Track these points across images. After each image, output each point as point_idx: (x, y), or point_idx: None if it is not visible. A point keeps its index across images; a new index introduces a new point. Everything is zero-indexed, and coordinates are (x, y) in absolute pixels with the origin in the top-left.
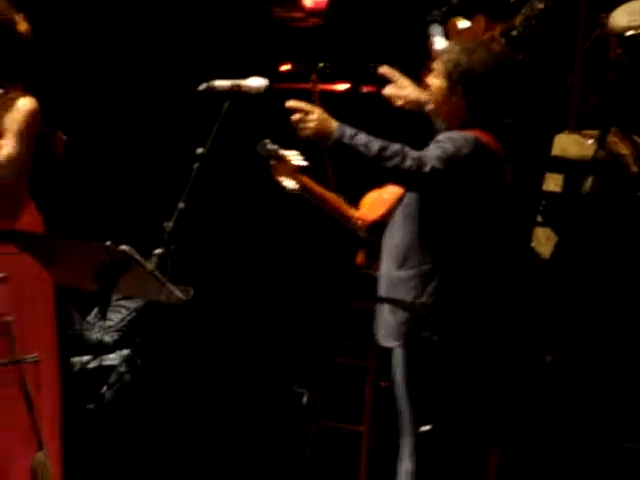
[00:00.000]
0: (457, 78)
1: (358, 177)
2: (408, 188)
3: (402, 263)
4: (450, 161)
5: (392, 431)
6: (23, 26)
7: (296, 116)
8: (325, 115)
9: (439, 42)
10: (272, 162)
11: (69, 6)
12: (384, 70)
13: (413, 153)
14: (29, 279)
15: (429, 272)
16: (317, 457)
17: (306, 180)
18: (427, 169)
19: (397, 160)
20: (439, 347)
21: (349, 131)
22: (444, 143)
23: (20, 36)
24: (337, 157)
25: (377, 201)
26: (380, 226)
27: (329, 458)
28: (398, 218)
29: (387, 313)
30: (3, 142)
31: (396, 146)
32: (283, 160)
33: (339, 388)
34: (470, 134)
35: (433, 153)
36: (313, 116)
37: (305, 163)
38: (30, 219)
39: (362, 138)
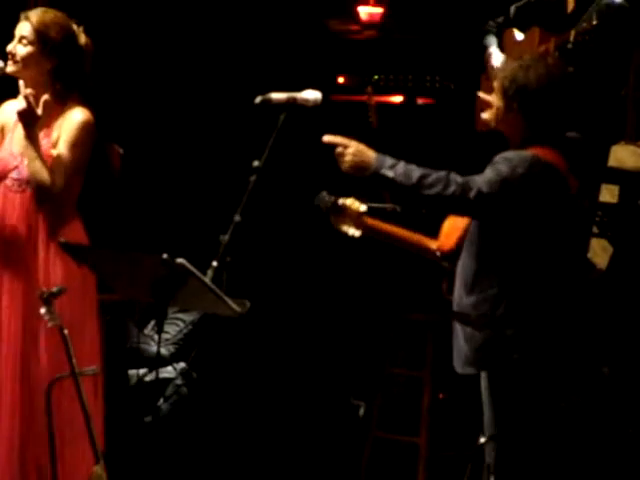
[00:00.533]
0: (512, 94)
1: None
2: (457, 214)
3: (470, 289)
4: (504, 183)
5: (449, 442)
6: (83, 38)
7: (337, 150)
8: (362, 147)
9: (495, 55)
10: (333, 215)
11: (129, 19)
12: (327, 139)
13: (458, 179)
14: (76, 291)
15: (496, 297)
16: (374, 469)
17: (372, 222)
18: (472, 194)
19: (439, 187)
20: (520, 365)
21: (388, 161)
22: (499, 164)
23: (80, 48)
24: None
25: (453, 227)
26: (457, 253)
27: (386, 470)
28: (465, 244)
29: (462, 341)
30: (55, 152)
31: (440, 173)
32: (344, 210)
33: (396, 399)
34: (527, 152)
35: (483, 177)
36: (350, 150)
37: (364, 208)
38: (75, 234)
39: (401, 167)
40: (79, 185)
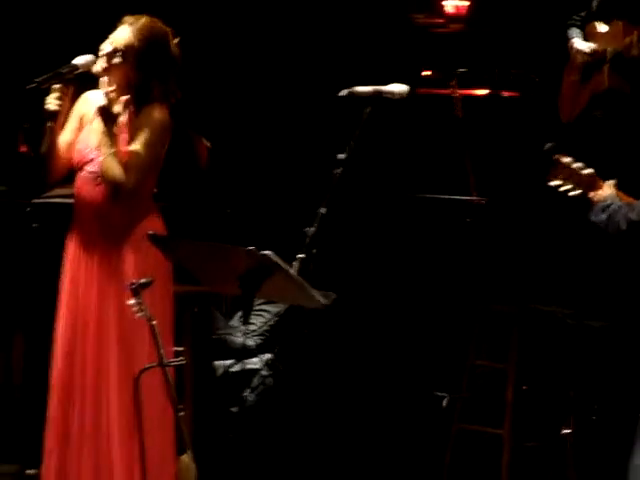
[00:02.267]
0: None
1: None
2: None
3: None
4: None
5: (532, 434)
6: (174, 50)
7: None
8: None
9: (578, 42)
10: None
11: (216, 13)
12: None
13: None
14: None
15: None
16: (458, 460)
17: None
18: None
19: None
20: None
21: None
22: None
23: (168, 59)
24: None
25: None
26: None
27: (469, 461)
28: None
29: None
30: (130, 148)
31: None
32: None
33: (479, 391)
34: None
35: None
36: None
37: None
38: (153, 226)
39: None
40: (154, 180)
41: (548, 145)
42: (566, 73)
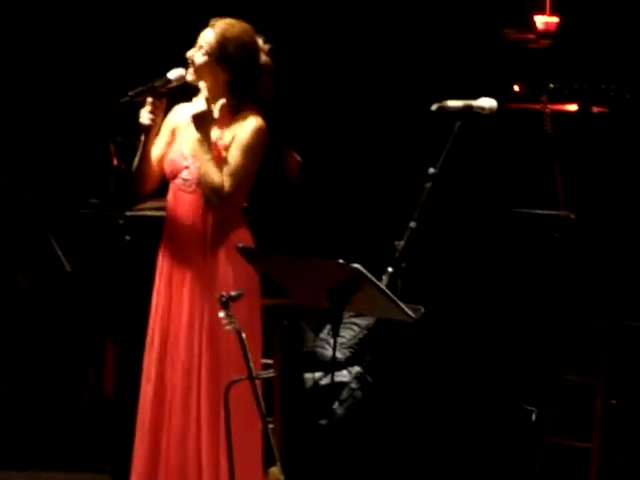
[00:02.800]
0: None
1: None
2: None
3: None
4: None
5: (622, 448)
6: (264, 57)
7: None
8: None
9: None
10: None
11: (308, 29)
12: None
13: None
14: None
15: None
16: (546, 474)
17: None
18: None
19: None
20: None
21: None
22: None
23: (259, 66)
24: None
25: None
26: None
27: (558, 475)
28: None
29: None
30: (227, 155)
31: None
32: None
33: (568, 405)
34: None
35: None
36: None
37: None
38: (242, 237)
39: None
40: (247, 190)
41: None
42: None
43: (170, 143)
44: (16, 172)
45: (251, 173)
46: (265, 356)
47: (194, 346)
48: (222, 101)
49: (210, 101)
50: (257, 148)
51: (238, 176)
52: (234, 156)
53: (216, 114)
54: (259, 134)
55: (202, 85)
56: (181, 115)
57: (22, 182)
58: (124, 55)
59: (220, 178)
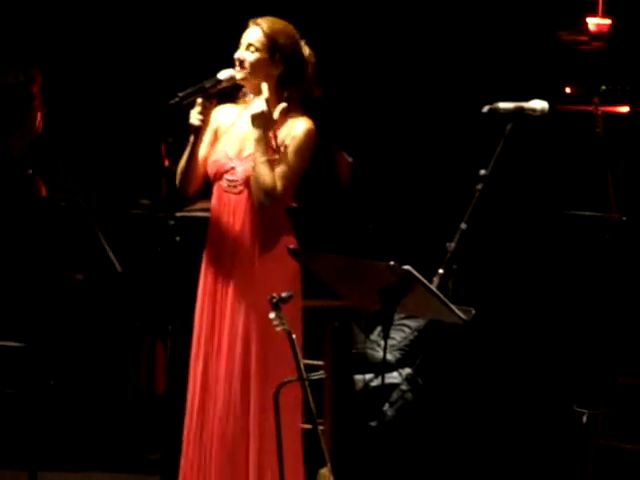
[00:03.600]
0: None
1: None
2: None
3: None
4: None
5: None
6: (307, 50)
7: None
8: None
9: None
10: None
11: (354, 34)
12: None
13: None
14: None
15: None
16: (597, 477)
17: None
18: None
19: None
20: None
21: None
22: None
23: (304, 58)
24: None
25: None
26: None
27: (609, 477)
28: None
29: None
30: (279, 157)
31: None
32: None
33: (621, 407)
34: None
35: None
36: None
37: None
38: (287, 238)
39: None
40: (293, 191)
41: None
42: None
43: (213, 144)
44: (81, 175)
45: (300, 174)
46: (315, 357)
47: (236, 351)
48: (283, 105)
49: (271, 102)
50: (308, 150)
51: (290, 178)
52: (286, 158)
53: (276, 115)
54: (310, 136)
55: (264, 86)
56: (223, 116)
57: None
58: (175, 56)
59: (273, 180)
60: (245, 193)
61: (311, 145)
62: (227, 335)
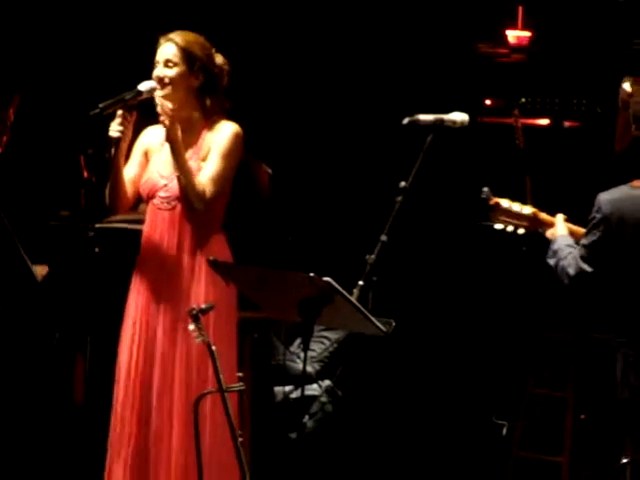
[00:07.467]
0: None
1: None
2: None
3: None
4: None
5: (591, 462)
6: (219, 57)
7: None
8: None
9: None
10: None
11: (274, 42)
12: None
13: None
14: (220, 309)
15: None
16: None
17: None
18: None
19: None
20: None
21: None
22: (586, 232)
23: (219, 66)
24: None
25: None
26: None
27: None
28: None
29: None
30: (208, 161)
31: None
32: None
33: (538, 419)
34: (613, 190)
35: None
36: None
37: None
38: (221, 251)
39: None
40: (225, 200)
41: (485, 190)
42: (619, 105)
43: (143, 165)
44: None
45: (230, 178)
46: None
47: (169, 360)
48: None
49: (185, 115)
50: (235, 152)
51: (218, 180)
52: (213, 161)
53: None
54: (237, 138)
55: (162, 104)
56: (151, 137)
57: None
58: (95, 67)
59: (201, 184)
60: (179, 208)
61: (238, 147)
62: (160, 352)
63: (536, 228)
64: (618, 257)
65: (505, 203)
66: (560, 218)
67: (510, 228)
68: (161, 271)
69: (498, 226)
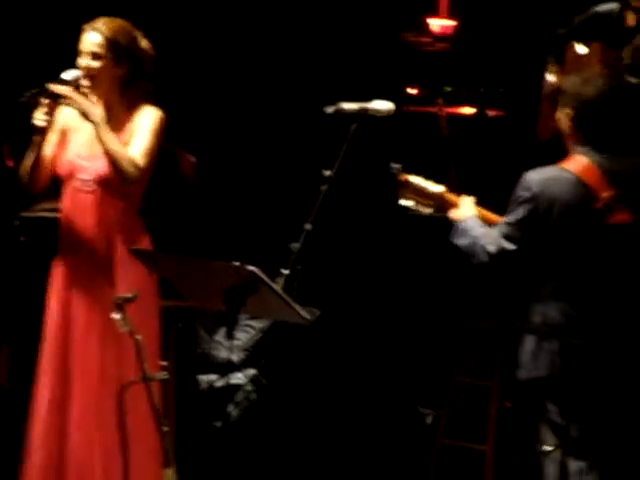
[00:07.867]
0: (569, 104)
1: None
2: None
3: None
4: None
5: (515, 450)
6: (144, 42)
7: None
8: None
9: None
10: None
11: (199, 26)
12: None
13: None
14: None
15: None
16: (441, 476)
17: (450, 199)
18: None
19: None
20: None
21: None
22: (510, 210)
23: (144, 51)
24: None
25: None
26: None
27: (453, 477)
28: None
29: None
30: (134, 139)
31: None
32: (411, 186)
33: (463, 407)
34: (541, 170)
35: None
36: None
37: (440, 188)
38: (140, 237)
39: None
40: (144, 186)
41: (394, 166)
42: (542, 94)
43: (61, 144)
44: None
45: (155, 155)
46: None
47: (90, 349)
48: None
49: (109, 102)
50: (159, 131)
51: (148, 153)
52: (141, 137)
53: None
54: (160, 119)
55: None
56: (70, 116)
57: None
58: (19, 56)
59: (131, 155)
60: (98, 192)
61: (162, 127)
62: (81, 339)
63: (442, 208)
64: (542, 237)
65: (414, 179)
66: (468, 200)
67: (416, 207)
68: (79, 254)
69: (405, 202)
